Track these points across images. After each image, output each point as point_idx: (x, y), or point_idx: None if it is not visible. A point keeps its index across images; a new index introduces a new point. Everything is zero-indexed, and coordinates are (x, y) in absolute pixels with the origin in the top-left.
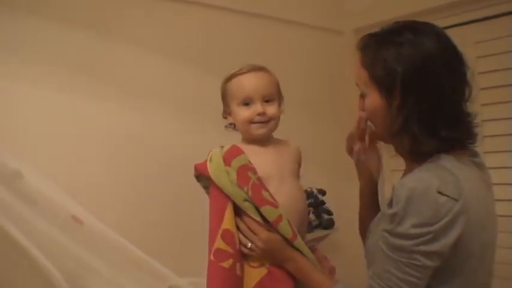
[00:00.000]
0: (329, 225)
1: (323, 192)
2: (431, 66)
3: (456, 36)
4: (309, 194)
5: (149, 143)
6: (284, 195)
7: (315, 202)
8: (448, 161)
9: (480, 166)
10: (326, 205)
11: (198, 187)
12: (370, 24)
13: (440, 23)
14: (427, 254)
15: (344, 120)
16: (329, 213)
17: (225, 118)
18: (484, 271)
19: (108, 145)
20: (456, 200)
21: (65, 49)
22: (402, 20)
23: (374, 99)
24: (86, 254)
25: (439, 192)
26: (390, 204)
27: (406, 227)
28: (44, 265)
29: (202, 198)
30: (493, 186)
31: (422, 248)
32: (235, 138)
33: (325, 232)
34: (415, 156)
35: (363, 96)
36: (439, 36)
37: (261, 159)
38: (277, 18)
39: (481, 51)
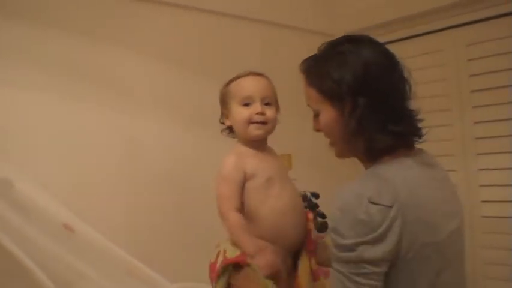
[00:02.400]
0: (323, 228)
1: (316, 195)
2: (373, 69)
3: (448, 39)
4: (303, 197)
5: (148, 149)
6: (288, 196)
7: (309, 205)
8: (385, 168)
9: (429, 165)
10: (320, 208)
11: (195, 194)
12: (361, 27)
13: (432, 26)
14: (372, 261)
15: None
16: (323, 216)
17: (222, 123)
18: (450, 271)
19: (107, 152)
20: (390, 207)
21: (63, 57)
22: (336, 38)
23: (327, 112)
24: (77, 262)
25: (372, 202)
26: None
27: (346, 238)
28: (34, 272)
29: (200, 205)
30: (448, 182)
31: (366, 255)
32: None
33: (319, 235)
34: (371, 156)
35: (316, 115)
36: (373, 43)
37: (263, 160)
38: (268, 22)
39: (473, 53)
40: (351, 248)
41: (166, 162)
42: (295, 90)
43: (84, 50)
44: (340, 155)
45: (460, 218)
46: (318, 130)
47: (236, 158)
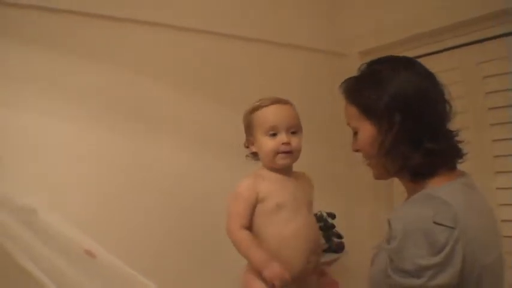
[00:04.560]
0: (339, 248)
1: (333, 216)
2: (409, 88)
3: (463, 56)
4: (319, 218)
5: (161, 174)
6: (296, 224)
7: (325, 225)
8: (439, 190)
9: (474, 188)
10: (336, 228)
11: (208, 218)
12: (375, 46)
13: (446, 43)
14: (443, 286)
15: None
16: (339, 236)
17: (247, 147)
18: None
19: (120, 176)
20: (453, 228)
21: (75, 80)
22: (375, 58)
23: (366, 129)
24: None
25: (435, 223)
26: (388, 241)
27: (409, 262)
28: None
29: (213, 229)
30: (490, 206)
31: (432, 283)
32: (245, 168)
33: (335, 256)
34: (410, 175)
35: (355, 134)
36: (411, 63)
37: (279, 187)
38: (281, 43)
39: (489, 70)
40: (415, 274)
41: (187, 188)
42: (306, 111)
43: (96, 75)
44: (378, 176)
45: (501, 243)
46: (356, 150)
47: (252, 180)
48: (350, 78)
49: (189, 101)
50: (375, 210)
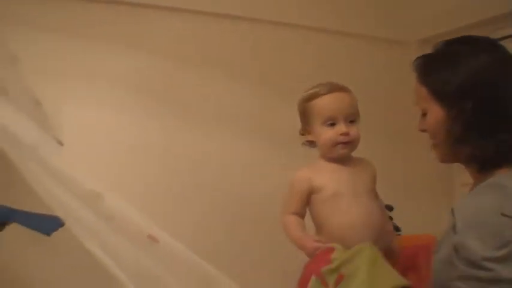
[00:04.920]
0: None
1: (390, 208)
2: (486, 74)
3: None
4: None
5: (220, 165)
6: (356, 212)
7: None
8: (508, 179)
9: None
10: (394, 221)
11: (262, 202)
12: (436, 34)
13: (508, 31)
14: (509, 280)
15: (410, 134)
16: (397, 229)
17: (302, 135)
18: None
19: (181, 166)
20: None
21: (130, 73)
22: (454, 37)
23: (435, 112)
24: (161, 272)
25: (503, 215)
26: (454, 230)
27: (473, 254)
28: (123, 282)
29: (268, 213)
30: None
31: (499, 275)
32: (300, 158)
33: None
34: (478, 165)
35: (424, 115)
36: (493, 46)
37: (335, 176)
38: (339, 32)
39: None
40: (480, 266)
41: (235, 174)
42: (365, 101)
43: (152, 69)
44: (442, 159)
45: None
46: (423, 130)
47: (306, 170)
48: (424, 55)
49: (243, 93)
50: (434, 203)
